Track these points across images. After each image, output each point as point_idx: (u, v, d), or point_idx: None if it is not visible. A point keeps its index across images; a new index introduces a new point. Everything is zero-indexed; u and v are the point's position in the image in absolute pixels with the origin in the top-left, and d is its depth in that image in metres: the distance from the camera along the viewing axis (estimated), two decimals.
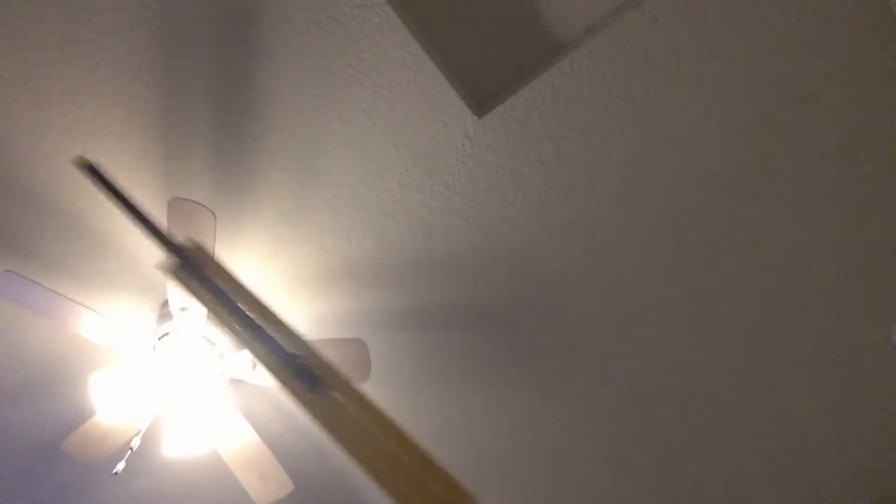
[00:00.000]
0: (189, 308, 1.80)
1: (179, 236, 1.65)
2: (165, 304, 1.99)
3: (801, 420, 2.32)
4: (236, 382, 2.17)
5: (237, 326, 0.69)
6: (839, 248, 1.91)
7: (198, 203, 1.62)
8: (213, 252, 1.69)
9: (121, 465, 1.79)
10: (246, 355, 1.94)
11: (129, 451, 1.85)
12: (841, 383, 2.22)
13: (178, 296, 1.78)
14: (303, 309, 2.06)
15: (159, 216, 1.74)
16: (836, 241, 1.89)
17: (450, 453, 2.47)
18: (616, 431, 2.40)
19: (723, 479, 2.53)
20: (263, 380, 1.95)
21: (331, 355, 1.93)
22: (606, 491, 2.61)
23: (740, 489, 2.57)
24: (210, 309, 0.71)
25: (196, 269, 0.71)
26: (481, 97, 1.70)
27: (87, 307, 1.80)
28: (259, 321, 0.68)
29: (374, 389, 2.26)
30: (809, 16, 1.54)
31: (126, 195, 0.78)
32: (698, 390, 2.26)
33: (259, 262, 1.97)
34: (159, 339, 1.93)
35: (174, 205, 1.60)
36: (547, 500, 2.66)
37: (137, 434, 1.90)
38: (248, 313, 0.69)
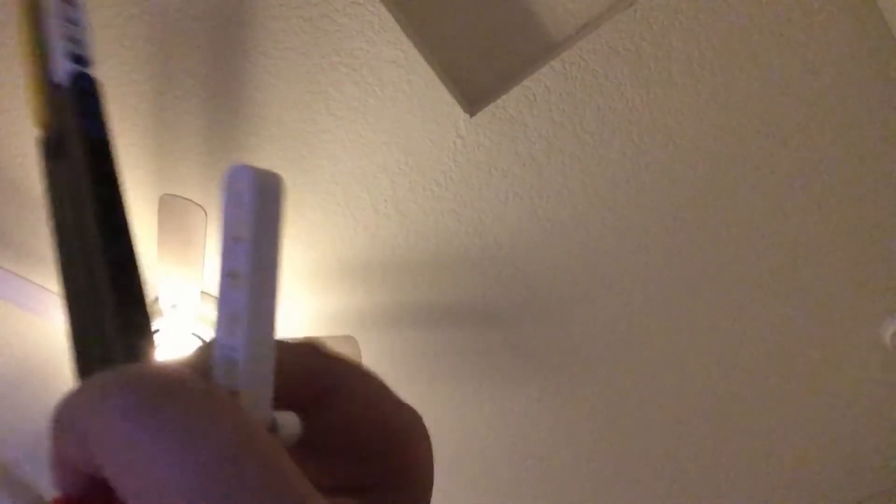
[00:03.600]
0: (180, 305, 1.79)
1: (170, 234, 1.65)
2: (156, 300, 1.98)
3: (793, 418, 2.34)
4: None
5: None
6: (832, 246, 1.92)
7: (189, 200, 1.62)
8: (204, 250, 1.69)
9: None
10: None
11: None
12: (833, 380, 2.23)
13: (169, 292, 1.77)
14: (294, 307, 2.06)
15: (150, 214, 1.74)
16: (829, 240, 1.90)
17: (442, 452, 2.48)
18: (608, 431, 2.41)
19: (714, 477, 2.55)
20: None
21: None
22: (599, 490, 2.62)
23: (731, 487, 2.59)
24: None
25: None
26: (473, 96, 1.70)
27: None
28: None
29: None
30: (800, 16, 1.54)
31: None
32: (691, 390, 2.27)
33: None
34: None
35: (165, 202, 1.60)
36: (539, 499, 2.67)
37: None
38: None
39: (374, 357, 2.16)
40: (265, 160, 1.76)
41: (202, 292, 1.97)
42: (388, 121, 1.70)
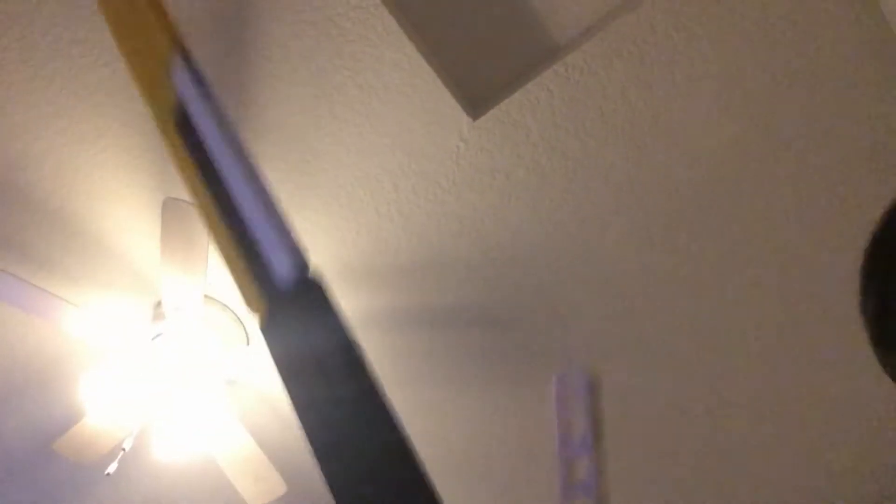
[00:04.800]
0: (183, 308, 1.79)
1: (174, 237, 1.65)
2: (159, 304, 1.98)
3: (791, 418, 2.33)
4: (230, 383, 2.16)
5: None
6: (833, 244, 1.92)
7: (193, 204, 1.62)
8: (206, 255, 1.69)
9: (113, 466, 1.79)
10: (241, 354, 1.93)
11: (122, 452, 1.84)
12: (832, 379, 2.23)
13: (172, 295, 1.77)
14: None
15: (154, 217, 1.74)
16: (830, 238, 1.90)
17: (445, 453, 2.47)
18: (611, 432, 2.40)
19: (712, 479, 2.54)
20: (258, 381, 1.95)
21: None
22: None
23: (729, 488, 2.58)
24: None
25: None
26: (476, 99, 1.70)
27: (79, 307, 1.79)
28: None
29: None
30: (802, 18, 1.54)
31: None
32: (690, 391, 2.26)
33: None
34: (152, 339, 1.93)
35: (169, 205, 1.60)
36: (544, 500, 2.66)
37: (130, 435, 1.89)
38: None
39: (377, 359, 2.15)
40: (268, 163, 1.76)
41: (205, 295, 1.98)
42: (392, 124, 1.70)
